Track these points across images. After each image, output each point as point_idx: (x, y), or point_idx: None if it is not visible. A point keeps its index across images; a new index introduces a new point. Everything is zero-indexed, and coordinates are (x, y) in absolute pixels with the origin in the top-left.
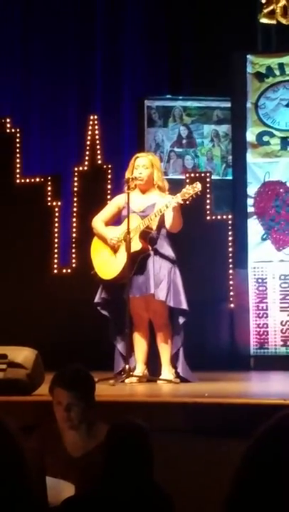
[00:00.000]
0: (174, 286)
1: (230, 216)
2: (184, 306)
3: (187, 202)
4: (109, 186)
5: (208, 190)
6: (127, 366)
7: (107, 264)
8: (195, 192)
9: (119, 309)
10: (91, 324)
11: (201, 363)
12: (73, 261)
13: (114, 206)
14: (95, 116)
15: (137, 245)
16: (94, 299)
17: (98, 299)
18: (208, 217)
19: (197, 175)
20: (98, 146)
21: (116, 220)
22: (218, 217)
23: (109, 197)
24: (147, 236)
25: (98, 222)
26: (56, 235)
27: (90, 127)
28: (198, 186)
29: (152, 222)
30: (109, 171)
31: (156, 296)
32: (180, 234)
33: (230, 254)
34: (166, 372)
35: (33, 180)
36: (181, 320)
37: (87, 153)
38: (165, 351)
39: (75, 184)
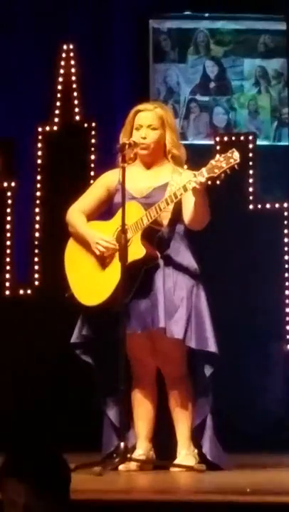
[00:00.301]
0: (197, 315)
1: (286, 204)
2: (213, 348)
3: (218, 181)
4: (92, 157)
5: (251, 164)
6: (122, 445)
7: (90, 281)
8: (230, 165)
9: (111, 354)
10: (64, 376)
11: (239, 440)
12: (35, 276)
13: (101, 189)
14: (70, 46)
15: (137, 251)
16: (69, 337)
17: (77, 337)
18: (252, 207)
19: (233, 138)
20: (75, 94)
21: (105, 210)
22: (268, 205)
23: (92, 173)
24: (154, 236)
25: (76, 214)
26: (8, 234)
27: (63, 63)
28: (235, 156)
29: (162, 215)
30: (93, 133)
31: (168, 332)
32: (206, 233)
33: (287, 265)
34: (184, 454)
35: None
36: (208, 370)
37: (58, 104)
38: (182, 421)
39: (39, 154)
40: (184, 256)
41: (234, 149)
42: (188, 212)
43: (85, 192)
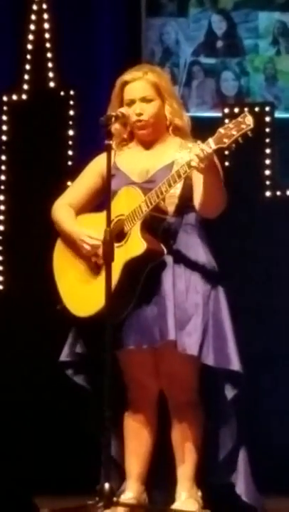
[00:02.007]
0: (216, 326)
1: None
2: (236, 365)
3: (226, 152)
4: (70, 132)
5: (267, 141)
6: (106, 485)
7: (82, 289)
8: (242, 132)
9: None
10: (31, 387)
11: (256, 479)
12: None
13: (93, 176)
14: None
15: (136, 246)
16: (37, 346)
17: (68, 354)
18: (270, 193)
19: (246, 109)
20: (49, 54)
21: (100, 201)
22: (288, 192)
23: (71, 153)
24: (158, 227)
25: (62, 208)
26: None
27: (34, 17)
28: (247, 120)
29: (168, 201)
30: (71, 103)
31: (180, 346)
32: (214, 225)
33: None
34: (186, 496)
35: None
36: (230, 393)
37: (28, 67)
38: (186, 457)
39: (4, 128)
40: (198, 251)
41: (246, 113)
42: (198, 196)
43: (74, 181)
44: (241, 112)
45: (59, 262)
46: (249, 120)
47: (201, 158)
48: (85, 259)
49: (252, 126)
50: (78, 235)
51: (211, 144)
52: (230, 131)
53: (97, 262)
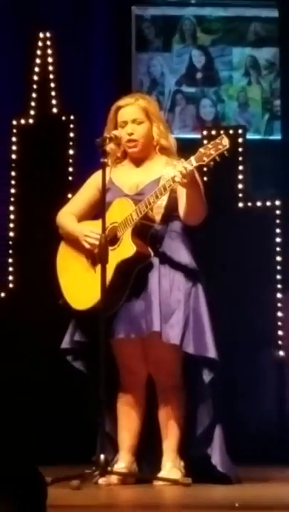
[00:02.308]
0: (196, 319)
1: (278, 202)
2: (212, 353)
3: (205, 168)
4: (71, 152)
5: (240, 159)
6: (101, 457)
7: (81, 284)
8: (220, 151)
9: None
10: (41, 378)
11: (230, 452)
12: (9, 278)
13: (91, 190)
14: (48, 34)
15: (127, 249)
16: (45, 339)
17: (69, 342)
18: (242, 205)
19: (222, 132)
20: (52, 84)
21: (97, 212)
22: (259, 203)
23: (71, 170)
24: (147, 233)
25: (66, 215)
26: None
27: (39, 52)
28: (224, 142)
29: (155, 210)
30: (71, 126)
31: (164, 336)
32: (196, 233)
33: (279, 267)
34: (170, 466)
35: None
36: (207, 376)
37: (34, 95)
38: (171, 432)
39: (14, 148)
40: (181, 254)
41: (223, 135)
42: (182, 207)
43: (75, 194)
44: (218, 134)
45: (62, 261)
46: (225, 141)
47: (184, 174)
48: (84, 259)
49: (228, 146)
50: (82, 231)
51: (192, 162)
52: (209, 151)
53: (94, 261)
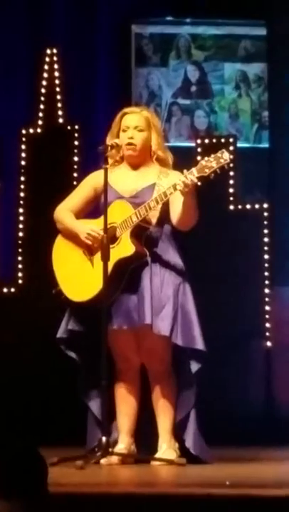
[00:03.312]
0: (184, 313)
1: (266, 205)
2: (200, 345)
3: (206, 180)
4: (75, 159)
5: (231, 165)
6: (103, 439)
7: (79, 278)
8: (221, 165)
9: (96, 349)
10: (49, 372)
11: (220, 434)
12: (19, 275)
13: (88, 189)
14: (54, 51)
15: (126, 248)
16: (54, 334)
17: (63, 332)
18: (232, 207)
19: (214, 141)
20: (59, 97)
21: (91, 210)
22: (248, 206)
23: (75, 175)
24: (143, 234)
25: (63, 211)
26: None
27: (47, 67)
28: (225, 156)
29: (151, 214)
30: (76, 135)
31: (155, 328)
32: (186, 232)
33: (267, 264)
34: (166, 447)
35: None
36: (195, 367)
37: (42, 107)
38: (164, 415)
39: (23, 155)
40: (171, 255)
41: (224, 150)
42: (176, 213)
43: (72, 192)
44: (211, 142)
45: (58, 254)
46: (226, 156)
47: (187, 184)
48: (82, 254)
49: (228, 160)
50: (83, 228)
51: (194, 173)
52: (211, 163)
53: (91, 255)
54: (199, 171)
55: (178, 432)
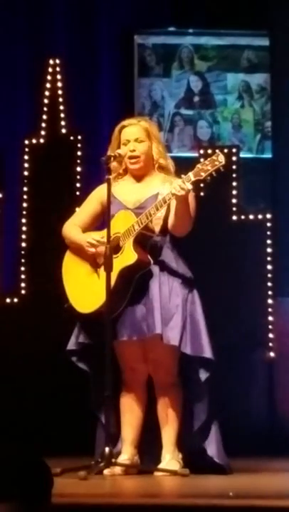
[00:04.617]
0: (193, 322)
1: (269, 215)
2: (208, 354)
3: (202, 184)
4: (78, 169)
5: (234, 176)
6: (106, 449)
7: (85, 289)
8: (216, 167)
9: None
10: (53, 381)
11: (223, 445)
12: (22, 285)
13: (94, 203)
14: (57, 61)
15: (129, 257)
16: (57, 343)
17: (73, 344)
18: (236, 217)
19: (217, 151)
20: (61, 107)
21: (100, 223)
22: (251, 216)
23: (78, 185)
24: (146, 243)
25: (70, 226)
26: None
27: (49, 77)
28: (220, 158)
29: (155, 222)
30: (79, 145)
31: (164, 338)
32: (189, 243)
33: (270, 275)
34: (169, 458)
35: None
36: (204, 375)
37: (45, 117)
38: (169, 426)
39: (26, 166)
40: (179, 263)
41: (219, 152)
42: (171, 219)
43: (79, 208)
44: (214, 152)
45: (67, 268)
46: (221, 158)
47: (182, 187)
48: (88, 266)
49: (223, 163)
50: (85, 238)
51: (190, 177)
52: (206, 167)
53: (97, 267)
54: (195, 175)
55: (199, 441)
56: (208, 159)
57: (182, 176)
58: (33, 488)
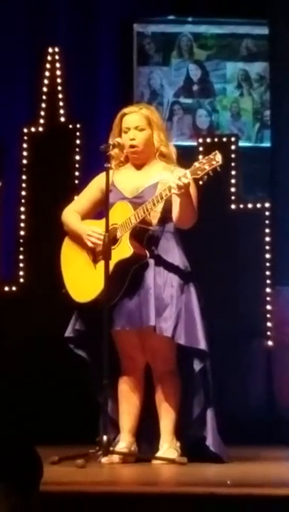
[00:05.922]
0: (187, 313)
1: (267, 204)
2: (202, 345)
3: (200, 182)
4: (77, 157)
5: (233, 165)
6: (104, 438)
7: (83, 279)
8: (213, 167)
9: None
10: (52, 369)
11: (221, 434)
12: (20, 273)
13: (94, 190)
14: (56, 49)
15: (125, 250)
16: (55, 332)
17: (71, 331)
18: (234, 206)
19: (216, 140)
20: (60, 96)
21: (99, 211)
22: (250, 205)
23: (77, 174)
24: (143, 236)
25: (70, 213)
26: None
27: (48, 66)
28: (217, 158)
29: (152, 214)
30: (78, 134)
31: (157, 329)
32: (188, 231)
33: (268, 264)
34: (167, 447)
35: None
36: (197, 366)
37: (44, 105)
38: (167, 415)
39: (24, 154)
40: (175, 254)
41: (217, 151)
42: (175, 212)
43: (80, 194)
44: (212, 141)
45: (65, 255)
46: (219, 158)
47: (180, 186)
48: (86, 255)
49: (220, 163)
50: (84, 230)
51: (187, 176)
52: (203, 166)
53: (95, 256)
54: (192, 174)
55: (197, 430)
56: (206, 158)
57: (181, 170)
58: (21, 475)
